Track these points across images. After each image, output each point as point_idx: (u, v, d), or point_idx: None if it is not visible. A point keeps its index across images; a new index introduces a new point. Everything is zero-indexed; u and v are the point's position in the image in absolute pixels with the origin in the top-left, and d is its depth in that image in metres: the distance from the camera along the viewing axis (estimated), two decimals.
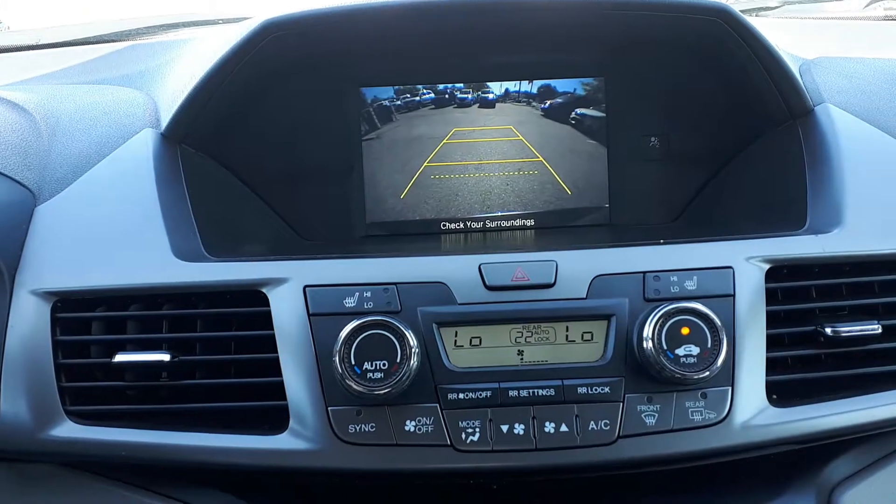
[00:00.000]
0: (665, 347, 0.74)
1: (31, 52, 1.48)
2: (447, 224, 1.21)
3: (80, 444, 0.77)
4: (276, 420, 0.78)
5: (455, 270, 0.81)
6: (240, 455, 0.76)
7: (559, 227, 1.20)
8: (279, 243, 1.07)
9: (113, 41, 1.51)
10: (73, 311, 0.81)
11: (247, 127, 1.10)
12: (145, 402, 0.80)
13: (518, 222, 1.21)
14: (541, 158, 1.21)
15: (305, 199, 1.18)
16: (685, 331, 0.75)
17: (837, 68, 1.11)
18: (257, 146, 1.13)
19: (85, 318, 0.81)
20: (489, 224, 1.21)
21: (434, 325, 0.78)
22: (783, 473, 0.80)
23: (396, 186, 1.20)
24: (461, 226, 1.21)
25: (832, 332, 0.80)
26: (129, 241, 0.85)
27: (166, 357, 0.78)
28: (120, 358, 0.78)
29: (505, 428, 0.75)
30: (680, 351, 0.74)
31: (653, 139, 1.21)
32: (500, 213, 1.21)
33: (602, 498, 0.78)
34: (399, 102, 1.20)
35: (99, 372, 0.80)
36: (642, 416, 0.76)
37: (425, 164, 1.20)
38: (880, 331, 0.80)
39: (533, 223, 1.21)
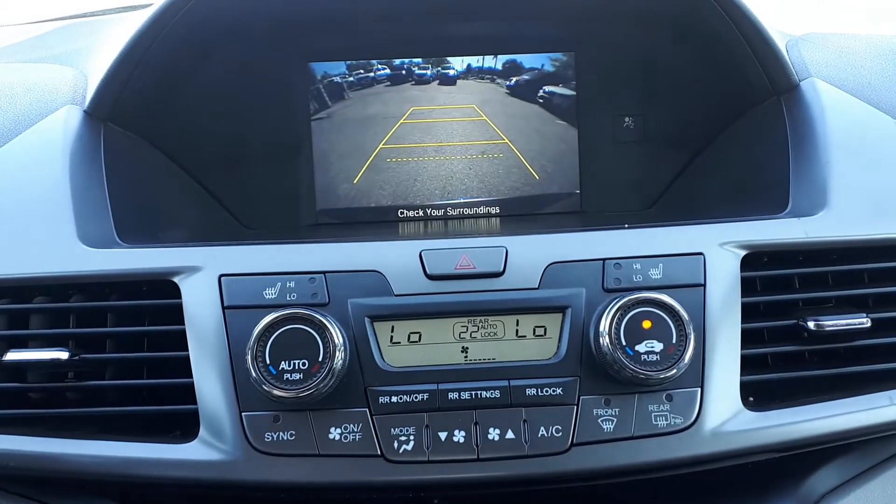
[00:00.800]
0: (624, 343, 0.66)
1: None
2: (405, 212, 1.12)
3: None
4: (187, 426, 0.69)
5: (393, 258, 0.72)
6: (144, 466, 0.68)
7: (526, 214, 1.12)
8: (209, 231, 0.98)
9: (55, 20, 1.42)
10: None
11: (181, 104, 1.02)
12: (50, 406, 0.72)
13: (482, 209, 1.13)
14: (506, 140, 1.12)
15: (249, 184, 1.09)
16: (647, 324, 0.67)
17: (827, 43, 1.03)
18: (193, 126, 1.04)
19: None
20: (451, 212, 1.13)
21: (366, 319, 0.70)
22: (760, 485, 0.72)
23: (349, 170, 1.12)
24: (420, 213, 1.12)
25: (815, 325, 0.72)
26: (34, 226, 0.76)
27: (64, 355, 0.70)
28: (10, 357, 0.70)
29: (443, 435, 0.67)
30: (640, 347, 0.66)
31: (627, 119, 1.13)
32: (462, 200, 1.13)
33: None
34: (352, 79, 1.11)
35: None
36: (599, 420, 0.67)
37: (381, 145, 1.12)
38: (869, 325, 0.72)
39: (498, 210, 1.13)
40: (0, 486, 0.74)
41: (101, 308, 0.73)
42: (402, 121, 1.12)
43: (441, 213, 1.12)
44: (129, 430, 0.71)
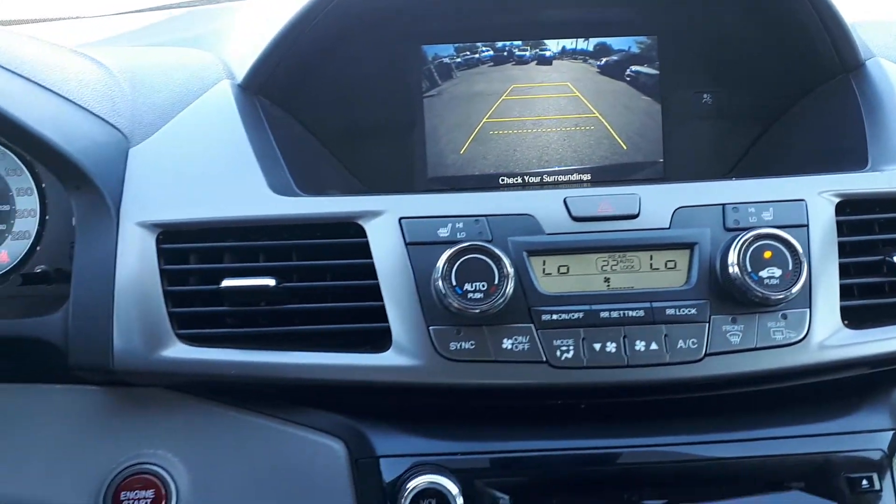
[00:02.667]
0: (749, 270, 0.80)
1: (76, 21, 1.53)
2: (505, 179, 1.26)
3: (191, 363, 0.82)
4: (376, 343, 0.83)
5: (541, 204, 0.86)
6: (346, 371, 0.81)
7: (615, 181, 1.26)
8: (352, 192, 1.12)
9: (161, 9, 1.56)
10: (176, 242, 0.86)
11: (316, 82, 1.16)
12: (248, 328, 0.85)
13: (575, 177, 1.27)
14: (597, 114, 1.27)
15: (369, 154, 1.23)
16: (767, 254, 0.81)
17: (882, 29, 1.17)
18: (325, 101, 1.18)
19: (188, 248, 0.86)
20: (546, 179, 1.27)
21: (524, 254, 0.83)
22: (857, 395, 0.86)
23: (456, 142, 1.26)
24: (519, 180, 1.26)
25: None
26: (226, 177, 0.90)
27: (271, 282, 0.83)
28: (227, 283, 0.83)
29: (597, 346, 0.81)
30: (763, 273, 0.80)
31: (705, 96, 1.27)
32: (557, 168, 1.27)
33: (683, 419, 0.84)
34: (459, 60, 1.25)
35: (205, 298, 0.85)
36: (727, 335, 0.81)
37: (484, 119, 1.26)
38: None
39: (589, 178, 1.27)
40: (205, 395, 0.87)
41: (291, 246, 0.87)
42: (503, 97, 1.26)
43: (538, 180, 1.26)
44: (317, 349, 0.85)
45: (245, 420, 0.85)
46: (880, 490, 0.78)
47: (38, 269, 0.98)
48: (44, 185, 1.00)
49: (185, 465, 0.84)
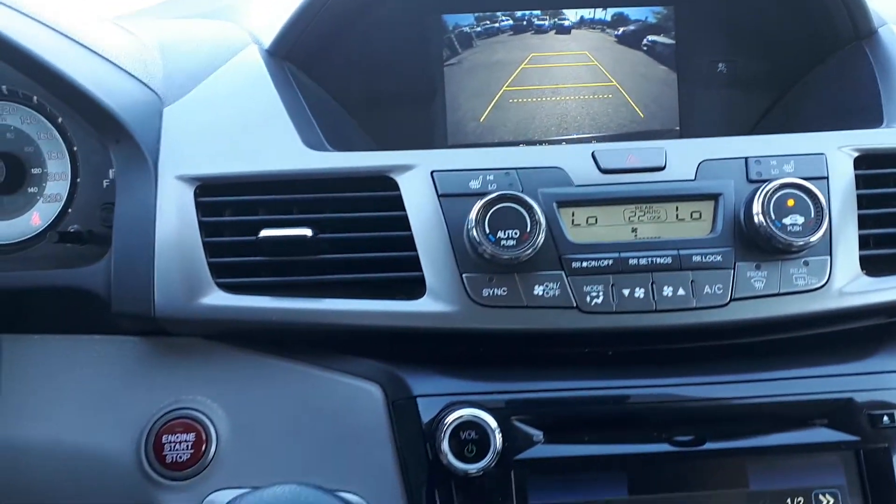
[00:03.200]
0: (773, 217, 0.83)
1: None
2: (525, 146, 1.29)
3: (231, 310, 0.85)
4: (410, 293, 0.86)
5: (570, 157, 0.89)
6: (383, 317, 0.84)
7: None
8: None
9: None
10: (213, 195, 0.89)
11: (340, 49, 1.18)
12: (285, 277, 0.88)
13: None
14: (614, 83, 1.29)
15: (390, 121, 1.26)
16: (790, 203, 0.83)
17: None
18: (348, 68, 1.20)
19: (225, 201, 0.89)
20: (565, 146, 1.29)
21: (554, 205, 0.86)
22: (875, 341, 0.89)
23: (476, 110, 1.28)
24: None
25: None
26: (260, 132, 0.92)
27: (308, 232, 0.86)
28: (265, 233, 0.86)
29: (626, 292, 0.84)
30: (787, 220, 0.83)
31: (720, 65, 1.30)
32: (575, 136, 1.29)
33: (708, 364, 0.86)
34: (479, 29, 1.28)
35: (242, 249, 0.87)
36: (752, 281, 0.84)
37: (504, 88, 1.28)
38: None
39: None
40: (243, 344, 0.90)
41: (326, 199, 0.89)
42: (522, 66, 1.29)
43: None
44: (352, 297, 0.87)
45: (282, 366, 0.88)
46: None
47: (71, 229, 1.00)
48: (75, 149, 1.02)
49: (224, 409, 0.86)
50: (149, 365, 0.89)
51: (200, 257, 0.87)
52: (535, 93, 1.29)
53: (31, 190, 1.02)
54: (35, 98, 1.00)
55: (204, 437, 0.85)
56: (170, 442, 0.84)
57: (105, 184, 1.00)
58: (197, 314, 0.85)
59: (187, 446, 0.84)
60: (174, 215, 0.88)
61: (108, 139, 0.90)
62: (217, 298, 0.86)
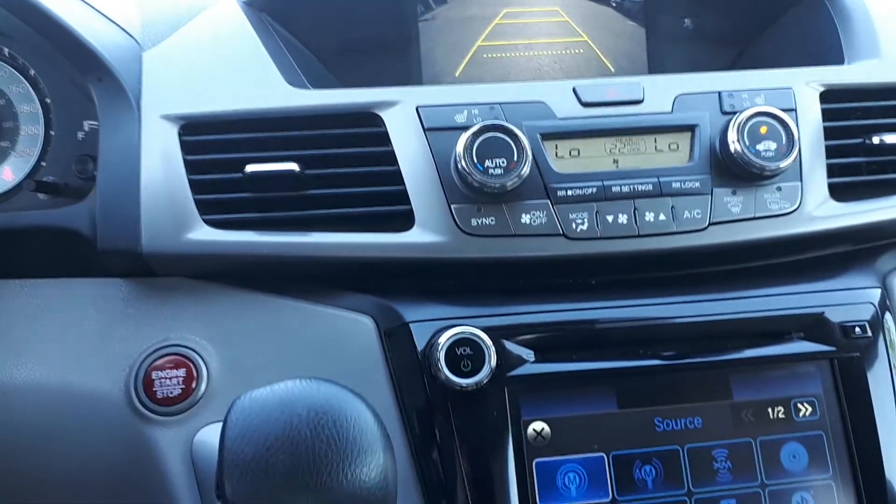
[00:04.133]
0: (748, 144, 0.86)
1: None
2: (508, 83, 1.30)
3: (219, 244, 0.85)
4: (398, 227, 0.87)
5: (552, 92, 0.92)
6: (373, 249, 0.85)
7: None
8: None
9: None
10: (198, 134, 0.89)
11: (315, 4, 1.18)
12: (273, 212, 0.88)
13: None
14: (585, 38, 1.32)
15: (365, 77, 1.26)
16: (763, 130, 0.87)
17: None
18: (323, 24, 1.21)
19: (210, 140, 0.89)
20: (547, 82, 1.31)
21: (538, 137, 0.88)
22: (845, 264, 0.93)
23: (451, 65, 1.30)
24: None
25: (878, 140, 0.93)
26: (242, 72, 0.93)
27: (295, 167, 0.86)
28: (251, 168, 0.86)
29: (610, 218, 0.86)
30: (760, 146, 0.86)
31: (686, 20, 1.34)
32: None
33: (689, 287, 0.90)
34: None
35: (228, 186, 0.87)
36: (728, 206, 0.88)
37: (478, 43, 1.30)
38: None
39: None
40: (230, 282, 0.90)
41: (311, 137, 0.90)
42: (496, 21, 1.31)
43: None
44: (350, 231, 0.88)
45: (271, 302, 0.88)
46: (871, 336, 0.85)
47: (47, 179, 0.98)
48: (48, 101, 1.00)
49: (214, 346, 0.86)
50: (136, 306, 0.88)
51: (186, 194, 0.87)
52: (509, 48, 1.31)
53: (2, 144, 1.00)
54: (6, 50, 0.98)
55: (194, 373, 0.84)
56: (160, 378, 0.84)
57: (80, 136, 0.99)
58: (185, 250, 0.85)
59: (178, 382, 0.84)
60: (159, 154, 0.87)
61: (91, 77, 0.89)
62: (205, 234, 0.86)
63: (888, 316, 0.88)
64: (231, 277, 0.89)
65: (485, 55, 1.31)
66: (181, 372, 0.84)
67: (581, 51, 1.32)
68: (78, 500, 0.88)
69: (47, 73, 0.96)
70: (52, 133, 0.99)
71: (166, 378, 0.84)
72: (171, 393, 0.84)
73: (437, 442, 0.79)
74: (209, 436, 0.82)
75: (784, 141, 0.87)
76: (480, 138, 0.84)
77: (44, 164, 0.99)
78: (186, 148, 0.88)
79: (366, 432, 0.53)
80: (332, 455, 0.51)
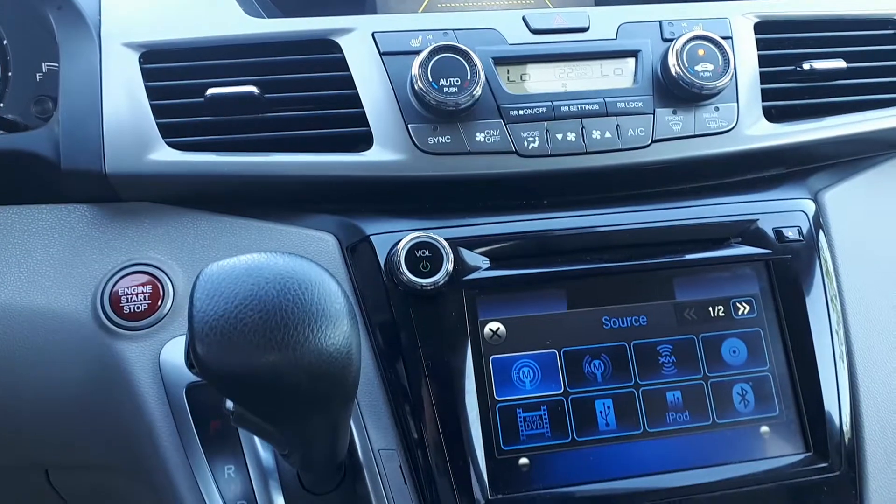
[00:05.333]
0: (687, 65, 0.91)
1: None
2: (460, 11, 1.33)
3: (182, 165, 0.87)
4: (359, 146, 0.90)
5: (503, 19, 0.96)
6: (333, 168, 0.88)
7: None
8: None
9: None
10: (159, 62, 0.90)
11: None
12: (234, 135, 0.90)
13: None
14: None
15: None
16: (701, 52, 0.92)
17: None
18: None
19: (170, 67, 0.90)
20: (498, 11, 1.34)
21: (491, 61, 0.92)
22: (779, 182, 0.99)
23: (409, 12, 1.33)
24: None
25: (809, 66, 0.99)
26: (201, 3, 0.94)
27: (255, 90, 0.89)
28: (212, 91, 0.88)
29: (559, 136, 0.91)
30: (698, 67, 0.92)
31: None
32: None
33: (634, 201, 0.94)
34: None
35: (190, 110, 0.89)
36: (670, 124, 0.93)
37: None
38: (845, 66, 1.00)
39: None
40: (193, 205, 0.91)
41: (270, 63, 0.92)
42: None
43: None
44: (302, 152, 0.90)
45: (236, 222, 0.90)
46: (802, 241, 0.91)
47: (7, 117, 0.99)
48: (5, 42, 1.00)
49: (179, 264, 0.88)
50: (101, 229, 0.90)
51: (149, 119, 0.88)
52: None
53: None
54: None
55: (160, 290, 0.86)
56: (126, 294, 0.86)
57: (39, 77, 1.00)
58: (148, 170, 0.87)
59: (144, 298, 0.86)
60: (120, 81, 0.89)
61: (50, 6, 0.90)
62: (168, 155, 0.88)
63: (818, 223, 0.94)
64: (195, 201, 0.91)
65: (439, 4, 1.34)
66: (147, 288, 0.86)
67: (533, 0, 1.37)
68: (50, 421, 0.89)
69: (4, 12, 0.97)
70: (10, 74, 0.99)
71: (133, 294, 0.86)
72: (138, 308, 0.85)
73: (400, 345, 0.83)
74: (175, 348, 0.84)
75: (720, 62, 0.93)
76: (435, 59, 0.88)
77: (1, 105, 0.99)
78: (147, 75, 0.90)
79: (331, 298, 0.56)
80: (298, 314, 0.54)
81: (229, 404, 0.63)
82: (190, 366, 0.57)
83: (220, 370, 0.54)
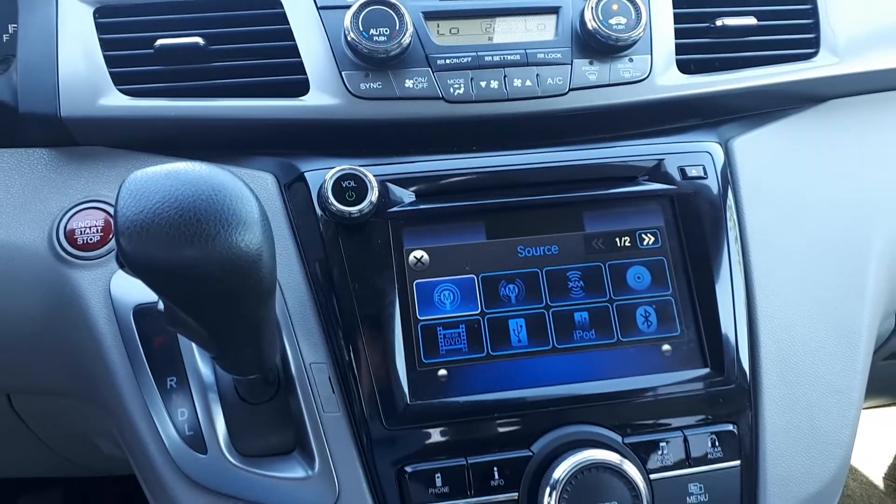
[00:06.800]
0: (602, 19, 0.98)
1: None
2: None
3: (133, 109, 0.94)
4: (296, 92, 0.97)
5: None
6: (273, 111, 0.96)
7: None
8: None
9: None
10: (112, 16, 0.97)
11: None
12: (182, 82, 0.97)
13: None
14: None
15: None
16: (615, 7, 1.00)
17: None
18: None
19: (122, 22, 0.97)
20: None
21: (421, 16, 0.99)
22: (691, 130, 1.06)
23: None
24: None
25: (721, 23, 1.06)
26: None
27: (200, 41, 0.96)
28: (161, 42, 0.95)
29: (483, 84, 0.98)
30: (612, 21, 0.99)
31: None
32: None
33: (551, 142, 1.02)
34: None
35: (141, 60, 0.96)
36: (586, 74, 1.00)
37: None
38: (756, 23, 1.08)
39: None
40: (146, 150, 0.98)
41: (225, 16, 0.99)
42: None
43: None
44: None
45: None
46: (706, 177, 0.98)
47: None
48: None
49: None
50: (58, 171, 0.97)
51: (102, 68, 0.95)
52: None
53: None
54: None
55: (112, 224, 0.92)
56: (80, 227, 0.93)
57: (5, 38, 1.06)
58: (101, 114, 0.94)
59: (97, 230, 0.93)
60: (75, 34, 0.96)
61: None
62: (118, 100, 0.95)
63: (724, 165, 1.01)
64: (146, 145, 0.98)
65: None
66: (100, 222, 0.93)
67: None
68: (8, 348, 0.96)
69: None
70: None
71: (86, 227, 0.93)
72: (91, 240, 0.92)
73: (331, 271, 0.90)
74: (124, 276, 0.90)
75: (633, 16, 1.00)
76: (366, 11, 0.95)
77: None
78: (101, 28, 0.97)
79: (242, 201, 0.63)
80: (211, 212, 0.61)
81: (161, 305, 0.70)
82: (120, 263, 0.64)
83: (142, 262, 0.61)
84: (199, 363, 0.87)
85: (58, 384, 1.01)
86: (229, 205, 0.62)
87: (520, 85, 0.99)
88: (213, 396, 0.86)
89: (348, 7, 0.97)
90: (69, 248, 0.92)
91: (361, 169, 0.89)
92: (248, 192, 0.65)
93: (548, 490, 0.81)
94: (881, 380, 1.52)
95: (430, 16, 1.00)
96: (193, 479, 0.83)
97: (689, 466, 0.88)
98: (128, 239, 0.61)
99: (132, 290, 0.90)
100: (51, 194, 0.96)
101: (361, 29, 0.95)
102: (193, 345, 0.88)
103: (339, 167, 0.89)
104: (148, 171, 0.63)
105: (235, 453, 0.85)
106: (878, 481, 2.46)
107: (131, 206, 0.61)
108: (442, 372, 0.88)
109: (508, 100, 0.98)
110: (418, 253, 0.92)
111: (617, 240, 0.95)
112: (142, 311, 0.89)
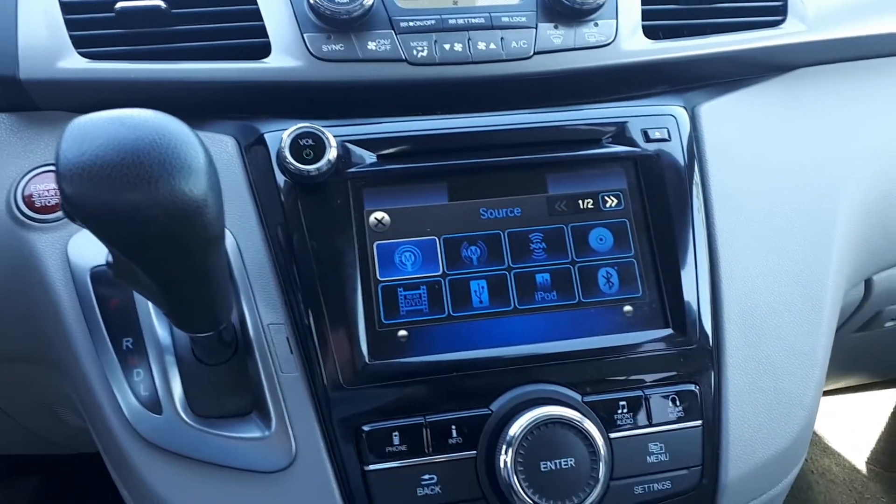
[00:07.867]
0: None
1: None
2: None
3: (93, 71, 0.93)
4: (259, 55, 0.96)
5: None
6: (235, 73, 0.95)
7: None
8: None
9: None
10: None
11: None
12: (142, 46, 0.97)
13: None
14: None
15: None
16: None
17: None
18: None
19: None
20: None
21: None
22: (658, 96, 1.06)
23: None
24: None
25: None
26: None
27: (162, 4, 0.95)
28: (121, 4, 0.95)
29: (447, 46, 0.97)
30: None
31: None
32: None
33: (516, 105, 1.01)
34: None
35: (101, 23, 0.95)
36: (551, 38, 0.99)
37: None
38: None
39: None
40: None
41: None
42: None
43: None
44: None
45: None
46: (669, 139, 0.98)
47: None
48: None
49: None
50: (18, 135, 0.96)
51: (62, 31, 0.95)
52: None
53: None
54: None
55: None
56: (38, 190, 0.92)
57: None
58: (61, 76, 0.93)
59: (55, 193, 0.92)
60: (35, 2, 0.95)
61: None
62: (78, 63, 0.94)
63: (688, 129, 1.01)
64: (107, 109, 0.96)
65: None
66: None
67: None
68: None
69: None
70: None
71: (44, 191, 0.92)
72: (49, 203, 0.91)
73: (290, 232, 0.89)
74: (82, 239, 0.90)
75: None
76: None
77: None
78: None
79: (186, 146, 0.62)
80: (154, 155, 0.60)
81: (108, 257, 0.69)
82: (64, 210, 0.63)
83: (85, 206, 0.60)
84: (157, 325, 0.86)
85: (18, 348, 1.00)
86: (173, 148, 0.61)
87: (484, 48, 0.98)
88: (169, 358, 0.85)
89: None
90: (27, 212, 0.91)
91: (319, 127, 0.88)
92: (192, 136, 0.64)
93: (504, 447, 0.81)
94: (858, 351, 1.52)
95: None
96: (148, 440, 0.83)
97: (650, 426, 0.88)
98: (69, 182, 0.60)
99: (89, 253, 0.89)
100: (10, 158, 0.95)
101: None
102: (151, 307, 0.87)
103: (295, 125, 0.88)
104: (92, 115, 0.62)
105: (192, 414, 0.84)
106: (861, 465, 2.47)
107: (73, 149, 0.60)
108: (402, 332, 0.87)
109: (472, 62, 0.98)
110: (379, 214, 0.91)
111: (580, 202, 0.95)
112: (99, 274, 0.88)
